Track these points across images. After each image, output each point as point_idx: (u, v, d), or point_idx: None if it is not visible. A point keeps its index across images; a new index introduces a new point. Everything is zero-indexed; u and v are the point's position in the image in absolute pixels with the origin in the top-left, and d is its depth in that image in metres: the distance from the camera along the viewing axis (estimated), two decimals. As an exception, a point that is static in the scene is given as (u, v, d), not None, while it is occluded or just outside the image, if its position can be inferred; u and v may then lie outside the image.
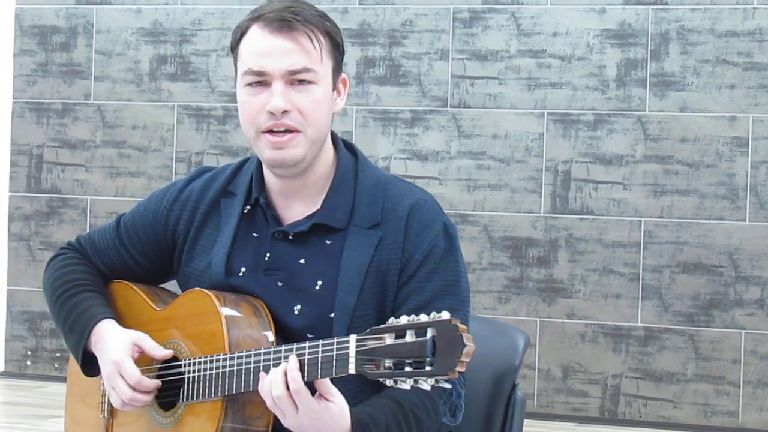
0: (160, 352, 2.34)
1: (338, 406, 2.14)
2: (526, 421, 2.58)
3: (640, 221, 5.75)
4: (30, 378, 6.40)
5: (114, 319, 2.43)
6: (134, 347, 2.35)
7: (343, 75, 2.40)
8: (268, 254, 2.37)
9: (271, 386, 2.14)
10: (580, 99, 5.81)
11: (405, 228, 2.32)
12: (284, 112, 2.29)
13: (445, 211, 2.39)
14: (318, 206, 2.36)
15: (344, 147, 2.43)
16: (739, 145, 5.65)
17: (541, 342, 5.82)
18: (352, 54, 6.00)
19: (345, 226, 2.34)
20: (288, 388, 2.12)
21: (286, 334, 2.31)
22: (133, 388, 2.32)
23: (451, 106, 5.93)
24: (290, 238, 2.36)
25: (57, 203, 6.40)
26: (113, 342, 2.37)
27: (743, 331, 5.64)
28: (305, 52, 2.30)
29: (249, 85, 2.33)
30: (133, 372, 2.32)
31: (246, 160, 2.47)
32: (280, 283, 2.35)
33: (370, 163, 2.43)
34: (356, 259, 2.31)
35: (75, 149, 6.38)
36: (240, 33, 2.36)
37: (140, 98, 6.30)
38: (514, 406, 2.52)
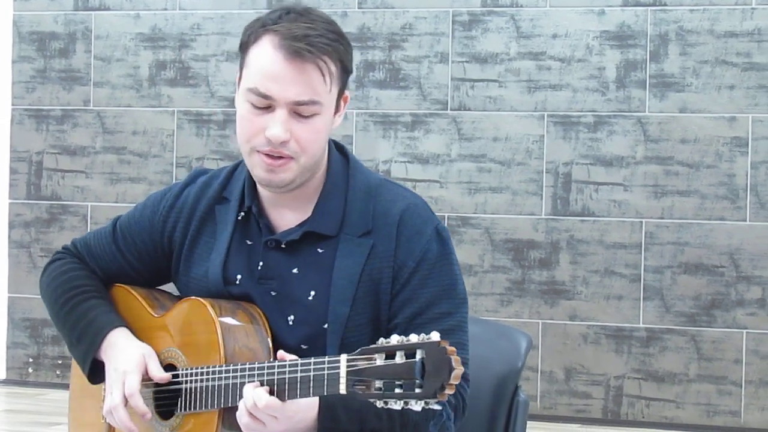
0: (160, 374, 2.33)
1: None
2: (529, 423, 2.59)
3: (641, 222, 5.74)
4: (32, 385, 6.40)
5: (126, 327, 2.41)
6: (144, 364, 2.35)
7: (346, 93, 2.33)
8: (261, 263, 2.35)
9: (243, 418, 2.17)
10: (580, 101, 5.80)
11: (396, 235, 2.29)
12: (282, 142, 2.23)
13: (447, 214, 2.39)
14: (309, 213, 2.33)
15: (335, 149, 2.39)
16: (738, 146, 5.64)
17: (544, 344, 5.82)
18: (352, 58, 6.01)
19: (336, 233, 2.31)
20: (254, 416, 2.14)
21: (280, 344, 2.29)
22: (125, 402, 2.32)
23: (451, 109, 5.93)
24: (282, 246, 2.33)
25: (57, 210, 6.40)
26: (127, 352, 2.36)
27: (745, 331, 5.63)
28: (315, 84, 2.23)
29: (252, 103, 2.26)
30: (133, 386, 2.32)
31: (240, 163, 2.42)
32: (273, 293, 2.33)
33: (361, 165, 2.40)
34: (348, 268, 2.28)
35: (75, 155, 6.38)
36: (252, 37, 2.27)
37: (140, 104, 6.30)
38: (517, 408, 2.52)
